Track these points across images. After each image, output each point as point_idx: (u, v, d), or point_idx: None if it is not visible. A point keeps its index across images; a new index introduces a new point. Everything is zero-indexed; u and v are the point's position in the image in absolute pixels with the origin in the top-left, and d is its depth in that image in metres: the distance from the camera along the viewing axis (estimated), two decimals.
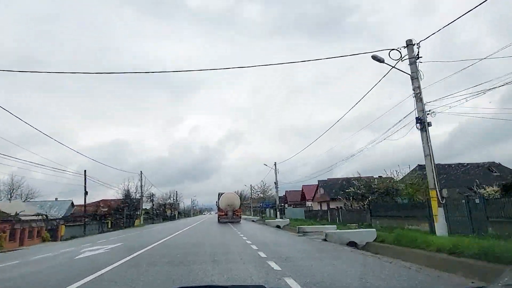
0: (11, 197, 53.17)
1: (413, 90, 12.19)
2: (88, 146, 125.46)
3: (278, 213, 46.32)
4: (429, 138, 11.89)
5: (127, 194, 63.24)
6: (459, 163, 35.02)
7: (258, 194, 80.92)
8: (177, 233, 24.19)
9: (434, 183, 11.55)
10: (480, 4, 9.23)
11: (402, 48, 12.22)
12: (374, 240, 11.31)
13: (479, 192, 19.23)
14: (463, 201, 14.57)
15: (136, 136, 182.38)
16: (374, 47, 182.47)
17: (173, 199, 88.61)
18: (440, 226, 11.20)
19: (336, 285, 5.73)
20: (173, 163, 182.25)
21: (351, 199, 28.70)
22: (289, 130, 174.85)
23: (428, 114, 12.04)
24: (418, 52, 11.95)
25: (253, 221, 48.96)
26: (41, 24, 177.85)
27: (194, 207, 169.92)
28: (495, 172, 33.79)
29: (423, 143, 12.02)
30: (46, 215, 35.33)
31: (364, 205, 25.88)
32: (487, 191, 19.15)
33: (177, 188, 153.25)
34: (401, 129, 14.49)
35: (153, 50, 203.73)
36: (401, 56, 12.24)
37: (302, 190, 60.00)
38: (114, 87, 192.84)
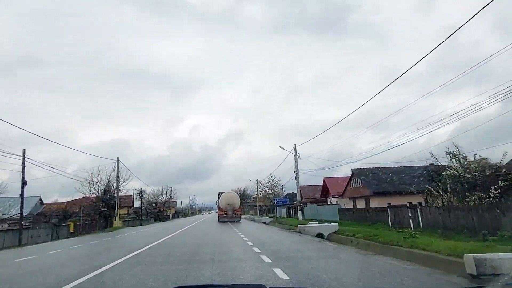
0: None
1: None
2: (88, 145, 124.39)
3: (300, 212, 34.41)
4: None
5: (107, 190, 51.41)
6: None
7: (265, 190, 68.76)
8: (143, 248, 12.51)
9: None
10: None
11: None
12: None
13: None
14: None
15: (136, 136, 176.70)
16: (375, 46, 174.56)
17: (166, 196, 76.55)
18: None
19: None
20: (174, 162, 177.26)
21: (446, 191, 16.66)
22: (289, 130, 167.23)
23: None
24: None
25: (264, 223, 37.04)
26: (40, 23, 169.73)
27: (193, 206, 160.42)
28: None
29: None
30: None
31: (491, 198, 14.01)
32: None
33: (177, 187, 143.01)
34: None
35: (153, 49, 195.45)
36: None
37: (324, 183, 47.99)
38: (114, 87, 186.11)
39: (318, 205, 39.32)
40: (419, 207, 17.74)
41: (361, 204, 35.87)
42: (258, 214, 72.06)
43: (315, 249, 11.91)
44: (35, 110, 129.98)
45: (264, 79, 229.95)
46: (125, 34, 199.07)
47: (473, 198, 14.82)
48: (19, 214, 26.27)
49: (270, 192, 67.46)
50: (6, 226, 34.45)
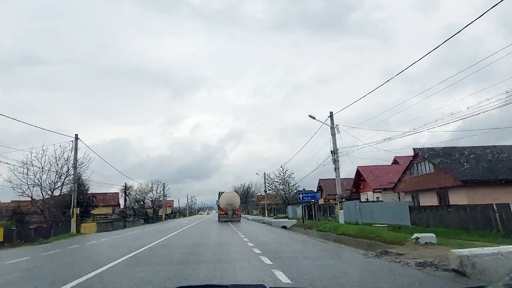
0: None
1: None
2: (88, 144, 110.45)
3: (342, 211, 22.68)
4: None
5: (80, 183, 39.78)
6: None
7: (275, 186, 56.82)
8: None
9: None
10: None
11: None
12: None
13: None
14: None
15: (137, 135, 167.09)
16: (376, 45, 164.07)
17: (157, 193, 64.84)
18: None
19: None
20: (174, 161, 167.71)
21: None
22: (290, 129, 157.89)
23: None
24: None
25: (285, 227, 25.35)
26: (41, 20, 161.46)
27: (192, 206, 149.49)
28: None
29: None
30: None
31: None
32: None
33: (177, 187, 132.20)
34: None
35: (154, 47, 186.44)
36: None
37: (358, 173, 36.06)
38: (114, 85, 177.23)
39: (361, 202, 27.46)
40: None
41: (429, 200, 24.13)
42: (266, 214, 60.33)
43: None
44: (35, 108, 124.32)
45: (265, 77, 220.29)
46: (125, 32, 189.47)
47: None
48: None
49: (281, 188, 55.69)
50: None
